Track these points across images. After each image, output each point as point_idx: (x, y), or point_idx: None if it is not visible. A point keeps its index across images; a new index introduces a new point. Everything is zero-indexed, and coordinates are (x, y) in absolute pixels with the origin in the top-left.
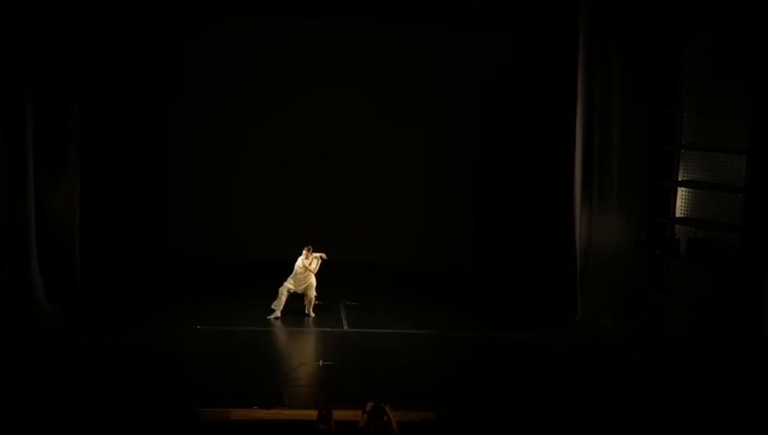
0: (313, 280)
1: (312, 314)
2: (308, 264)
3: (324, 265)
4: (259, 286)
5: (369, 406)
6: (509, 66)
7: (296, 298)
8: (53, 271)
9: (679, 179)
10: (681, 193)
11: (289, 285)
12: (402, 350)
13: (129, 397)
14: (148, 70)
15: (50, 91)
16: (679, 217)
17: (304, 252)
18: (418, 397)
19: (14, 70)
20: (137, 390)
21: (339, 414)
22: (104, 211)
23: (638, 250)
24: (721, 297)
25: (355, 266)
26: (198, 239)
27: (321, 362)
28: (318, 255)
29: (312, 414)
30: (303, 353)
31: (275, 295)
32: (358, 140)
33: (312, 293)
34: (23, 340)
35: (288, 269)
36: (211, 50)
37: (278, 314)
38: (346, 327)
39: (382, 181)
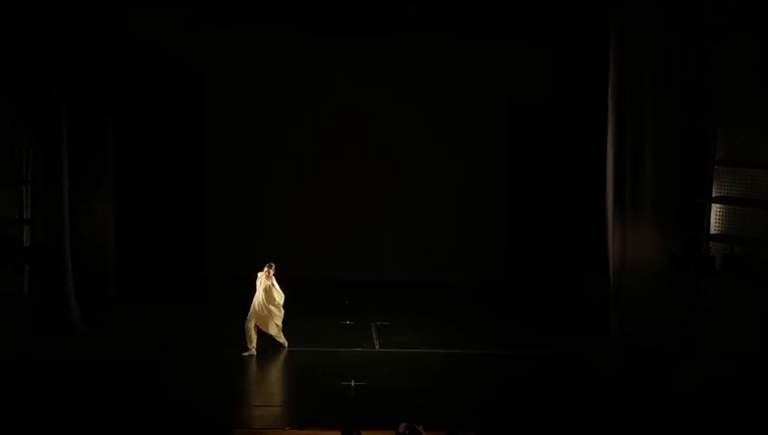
0: (275, 314)
1: (284, 344)
2: (267, 286)
3: (355, 285)
4: (293, 304)
5: (402, 427)
6: (541, 82)
7: (314, 323)
8: (88, 291)
9: (713, 195)
10: (716, 209)
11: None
12: (435, 369)
13: (163, 416)
14: (182, 90)
15: (84, 114)
16: (714, 234)
17: (266, 270)
18: (452, 417)
19: (50, 94)
20: (170, 409)
21: None
22: (138, 229)
23: (672, 266)
24: (758, 314)
25: (386, 285)
26: (233, 255)
27: (353, 383)
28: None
29: None
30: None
31: (309, 313)
32: (392, 160)
33: (273, 331)
34: (55, 358)
35: (319, 286)
36: (246, 65)
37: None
38: (378, 347)
39: (414, 200)
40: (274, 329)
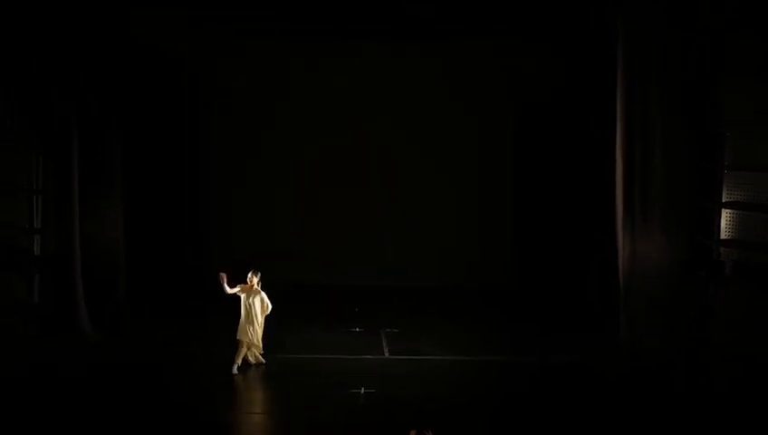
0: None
1: (262, 361)
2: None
3: (362, 291)
4: (298, 310)
5: (412, 434)
6: (541, 83)
7: (322, 330)
8: (98, 298)
9: (723, 200)
10: (726, 214)
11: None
12: (445, 376)
13: (167, 422)
14: (182, 90)
15: (94, 123)
16: (724, 239)
17: (249, 277)
18: (462, 423)
19: (50, 94)
20: (173, 413)
21: None
22: (147, 235)
23: (681, 270)
24: (766, 318)
25: (394, 291)
26: (234, 256)
27: (362, 390)
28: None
29: None
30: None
31: (315, 319)
32: (397, 167)
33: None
34: (57, 358)
35: (324, 292)
36: (246, 65)
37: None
38: (387, 354)
39: (417, 203)
40: (258, 343)
